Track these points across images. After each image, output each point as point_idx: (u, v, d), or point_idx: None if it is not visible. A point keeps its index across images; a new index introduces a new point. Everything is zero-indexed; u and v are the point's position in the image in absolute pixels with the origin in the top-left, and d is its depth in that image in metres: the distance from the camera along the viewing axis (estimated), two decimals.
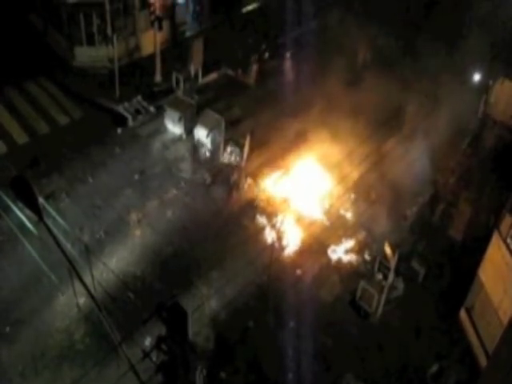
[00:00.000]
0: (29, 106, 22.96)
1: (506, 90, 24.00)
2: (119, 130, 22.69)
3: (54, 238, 8.45)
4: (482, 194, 19.29)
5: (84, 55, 24.93)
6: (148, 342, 14.89)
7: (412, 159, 21.14)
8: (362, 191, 21.04)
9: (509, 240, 15.46)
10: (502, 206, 16.09)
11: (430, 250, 18.69)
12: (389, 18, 25.66)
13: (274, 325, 16.65)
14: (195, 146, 22.52)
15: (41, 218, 8.06)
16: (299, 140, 21.75)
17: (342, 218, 20.16)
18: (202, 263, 18.02)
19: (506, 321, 14.73)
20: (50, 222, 15.08)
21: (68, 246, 16.54)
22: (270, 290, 16.92)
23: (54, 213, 18.59)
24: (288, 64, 25.58)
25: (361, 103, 22.11)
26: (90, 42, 24.87)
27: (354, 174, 21.57)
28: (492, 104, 24.21)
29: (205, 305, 16.93)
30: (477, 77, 24.01)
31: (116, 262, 17.57)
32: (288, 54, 26.53)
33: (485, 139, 22.46)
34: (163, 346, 9.48)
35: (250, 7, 30.39)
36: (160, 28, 24.12)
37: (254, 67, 25.95)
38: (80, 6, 23.77)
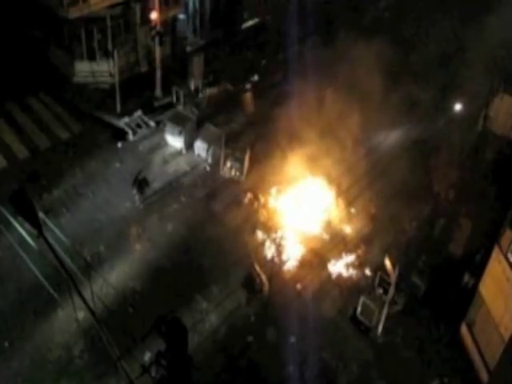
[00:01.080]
0: (29, 121, 23.05)
1: (505, 105, 24.15)
2: (119, 145, 22.76)
3: (54, 252, 8.46)
4: (481, 208, 19.26)
5: (85, 70, 25.09)
6: (147, 357, 14.77)
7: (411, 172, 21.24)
8: (361, 206, 21.07)
9: (509, 254, 15.40)
10: (502, 220, 16.07)
11: (431, 265, 18.63)
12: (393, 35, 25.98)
13: (274, 340, 16.55)
14: (195, 161, 22.61)
15: (40, 233, 8.07)
16: (299, 154, 21.79)
17: (342, 232, 20.13)
18: (202, 278, 17.97)
19: (507, 336, 14.66)
20: (49, 237, 15.02)
21: (68, 261, 16.47)
22: (270, 305, 16.85)
23: (53, 227, 18.57)
24: (288, 79, 25.69)
25: (362, 119, 22.29)
26: (91, 56, 25.05)
27: (354, 189, 21.64)
28: (491, 118, 24.35)
29: (205, 320, 16.86)
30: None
31: (116, 277, 17.51)
32: (288, 69, 26.68)
33: (484, 153, 22.51)
34: (162, 361, 9.44)
35: (250, 22, 30.67)
36: (161, 43, 24.32)
37: (250, 84, 26.24)
38: (81, 21, 23.97)
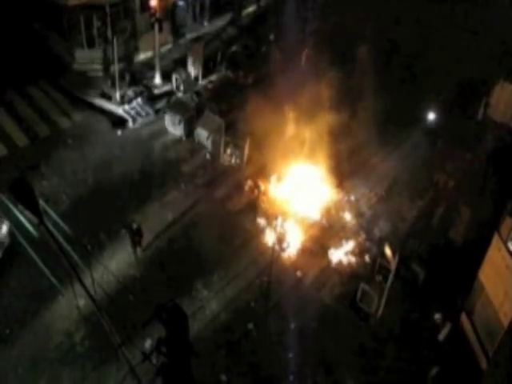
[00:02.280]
0: (29, 109, 22.98)
1: (505, 93, 24.07)
2: (119, 133, 22.72)
3: (55, 240, 8.48)
4: (482, 196, 19.27)
5: (84, 58, 24.94)
6: (148, 344, 14.88)
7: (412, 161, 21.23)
8: (361, 193, 21.07)
9: (509, 242, 15.45)
10: (502, 208, 16.08)
11: (431, 253, 18.68)
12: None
13: (275, 327, 16.65)
14: (195, 148, 22.57)
15: (41, 221, 8.08)
16: (299, 142, 21.76)
17: (342, 220, 20.16)
18: (203, 265, 18.03)
19: (506, 323, 14.73)
20: (50, 225, 15.08)
21: (68, 249, 16.52)
22: (270, 292, 16.93)
23: (54, 215, 18.60)
24: (288, 66, 25.52)
25: (362, 104, 22.22)
26: (91, 44, 24.89)
27: (355, 177, 21.62)
28: (492, 106, 24.27)
29: (205, 307, 16.94)
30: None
31: (116, 264, 17.57)
32: (287, 56, 26.53)
33: (485, 141, 22.47)
34: (163, 349, 9.48)
35: (250, 9, 30.45)
36: (160, 30, 24.15)
37: (253, 70, 26.04)
38: (80, 9, 23.79)
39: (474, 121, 23.96)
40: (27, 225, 17.78)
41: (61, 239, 16.75)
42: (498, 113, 24.03)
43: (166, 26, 25.66)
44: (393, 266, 16.60)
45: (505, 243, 15.38)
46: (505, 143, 21.68)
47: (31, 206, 7.89)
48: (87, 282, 13.96)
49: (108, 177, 20.60)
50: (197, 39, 27.36)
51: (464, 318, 16.79)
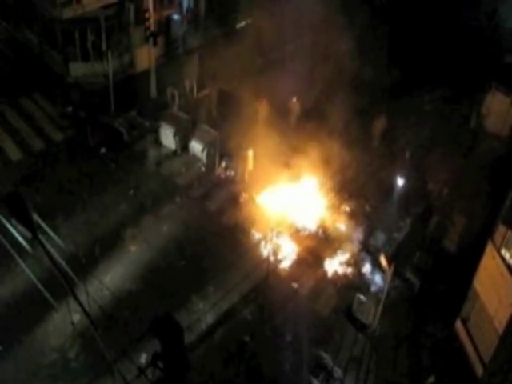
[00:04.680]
0: (23, 122, 22.97)
1: (496, 102, 24.28)
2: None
3: (49, 255, 8.44)
4: (475, 204, 19.38)
5: (79, 71, 25.03)
6: (143, 358, 14.77)
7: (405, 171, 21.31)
8: (356, 204, 21.14)
9: (503, 250, 15.55)
10: (495, 216, 16.18)
11: (425, 262, 18.73)
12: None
13: (271, 338, 16.60)
14: (190, 161, 22.60)
15: (35, 235, 8.04)
16: (294, 154, 21.85)
17: (337, 230, 20.20)
18: (198, 278, 17.98)
19: (501, 330, 14.76)
20: (44, 239, 15.01)
21: (63, 263, 16.43)
22: (266, 304, 16.89)
23: (48, 229, 18.52)
24: (281, 78, 25.67)
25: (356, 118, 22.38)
26: (85, 57, 24.98)
27: (349, 187, 21.70)
28: (484, 115, 24.48)
29: (201, 320, 16.88)
30: None
31: (111, 279, 17.49)
32: (282, 68, 26.70)
33: (477, 150, 22.63)
34: (159, 363, 9.43)
35: (244, 23, 30.62)
36: (155, 43, 24.29)
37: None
38: (75, 22, 23.89)
39: (467, 129, 24.16)
40: (20, 239, 17.68)
41: (55, 254, 16.66)
42: (490, 122, 24.24)
43: (161, 39, 25.85)
44: (388, 275, 16.61)
45: (498, 251, 15.47)
46: (496, 152, 21.83)
47: (25, 220, 7.85)
48: (82, 297, 13.96)
49: (102, 190, 20.55)
50: (191, 51, 27.52)
51: (459, 325, 16.81)
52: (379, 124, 23.39)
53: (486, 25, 28.80)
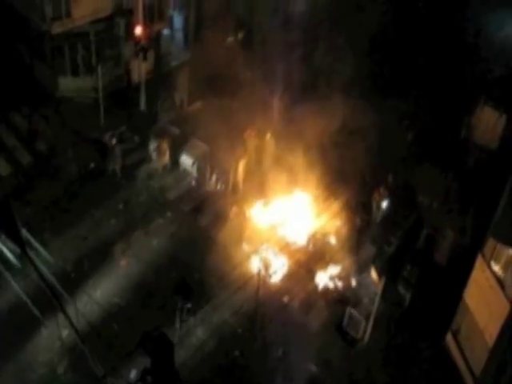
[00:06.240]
0: (12, 136, 22.84)
1: (485, 115, 24.57)
2: (104, 160, 22.62)
3: (37, 270, 8.36)
4: (464, 217, 19.50)
5: (68, 85, 25.01)
6: (133, 374, 14.61)
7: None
8: (347, 217, 21.17)
9: (492, 263, 15.64)
10: (485, 229, 16.28)
11: (416, 275, 18.76)
12: None
13: (261, 353, 16.50)
14: (181, 175, 22.58)
15: (23, 251, 7.97)
16: (285, 166, 21.88)
17: (328, 244, 20.21)
18: (188, 294, 17.80)
19: (491, 343, 14.79)
20: (32, 254, 14.93)
21: (52, 279, 16.26)
22: (257, 318, 16.81)
23: (37, 245, 18.34)
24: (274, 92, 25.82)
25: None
26: (75, 72, 24.98)
27: (340, 200, 21.74)
28: (472, 128, 24.72)
29: (191, 334, 16.75)
30: None
31: (100, 293, 17.34)
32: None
33: (466, 162, 22.80)
34: (149, 378, 9.34)
35: (239, 35, 30.72)
36: (145, 58, 24.36)
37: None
38: (65, 37, 23.91)
39: (456, 141, 24.33)
40: (9, 255, 17.51)
41: (44, 269, 16.48)
42: (479, 135, 24.47)
43: (151, 53, 25.95)
44: (379, 289, 16.63)
45: (488, 264, 15.55)
46: (485, 165, 22.01)
47: (13, 235, 7.79)
48: (71, 311, 13.85)
49: (92, 204, 20.42)
50: (182, 66, 27.62)
51: (450, 338, 16.83)
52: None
53: (472, 42, 29.23)
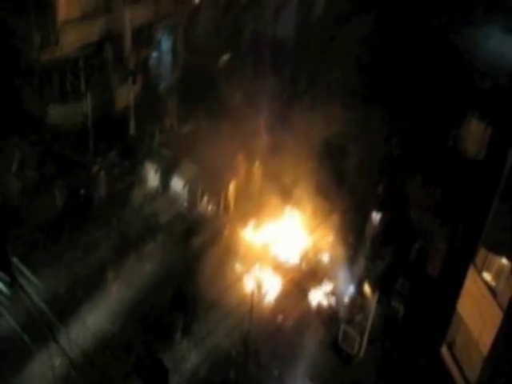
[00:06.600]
0: (1, 164, 22.83)
1: (472, 128, 24.81)
2: (95, 185, 22.62)
3: (29, 298, 8.32)
4: (455, 229, 19.56)
5: (58, 112, 25.01)
6: None
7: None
8: (339, 234, 21.18)
9: (484, 273, 15.68)
10: (475, 239, 16.33)
11: (409, 288, 18.76)
12: None
13: (256, 374, 16.36)
14: (173, 198, 22.61)
15: (14, 279, 7.93)
16: (277, 186, 21.97)
17: (321, 261, 20.22)
18: (182, 316, 17.75)
19: (486, 352, 14.76)
20: (23, 282, 14.83)
21: (43, 306, 16.12)
22: (250, 339, 16.71)
23: (27, 272, 18.16)
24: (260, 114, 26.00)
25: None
26: (64, 98, 25.00)
27: (332, 218, 21.77)
28: (459, 140, 24.93)
29: (185, 359, 16.60)
30: None
31: (93, 320, 17.09)
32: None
33: (454, 176, 22.93)
34: None
35: (224, 58, 31.04)
36: (134, 82, 24.53)
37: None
38: (53, 64, 23.96)
39: (444, 153, 24.49)
40: None
41: (35, 297, 16.35)
42: (466, 147, 24.65)
43: (140, 77, 26.12)
44: (373, 304, 16.61)
45: (480, 274, 15.59)
46: (473, 177, 22.12)
47: (3, 264, 7.80)
48: (63, 339, 13.74)
49: (83, 229, 20.38)
50: (171, 89, 27.81)
51: (445, 350, 16.77)
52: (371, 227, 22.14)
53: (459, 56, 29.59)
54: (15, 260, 17.20)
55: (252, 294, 17.53)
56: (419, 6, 28.74)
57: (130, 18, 24.03)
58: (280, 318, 18.11)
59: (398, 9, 28.44)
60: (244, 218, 21.34)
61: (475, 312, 15.63)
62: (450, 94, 25.36)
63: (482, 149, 24.51)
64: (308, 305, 18.66)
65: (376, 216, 21.47)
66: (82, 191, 22.01)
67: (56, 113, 24.85)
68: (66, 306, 16.98)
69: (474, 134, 24.78)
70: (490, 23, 29.91)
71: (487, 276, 15.65)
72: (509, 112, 22.56)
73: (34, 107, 25.09)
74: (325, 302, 18.72)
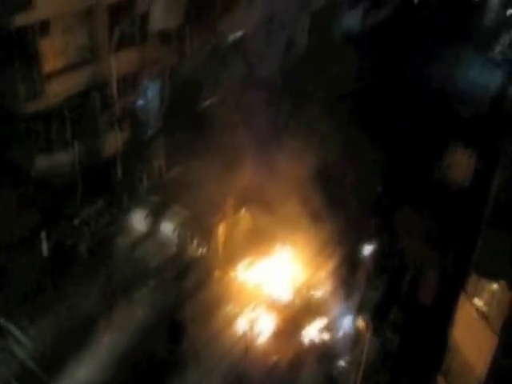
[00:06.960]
0: None
1: (457, 157, 25.22)
2: (82, 235, 22.53)
3: (16, 358, 8.16)
4: (445, 256, 19.56)
5: (44, 163, 24.92)
6: None
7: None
8: (331, 268, 21.09)
9: (475, 299, 15.57)
10: (465, 266, 16.29)
11: (402, 318, 18.59)
12: None
13: None
14: (162, 242, 22.55)
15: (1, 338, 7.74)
16: (267, 225, 21.98)
17: (314, 297, 20.07)
18: (175, 361, 17.46)
19: (483, 379, 14.51)
20: (10, 341, 14.61)
21: (31, 364, 15.75)
22: (246, 381, 16.39)
23: (15, 330, 17.73)
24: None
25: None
26: (50, 148, 24.99)
27: (324, 253, 21.71)
28: (445, 169, 25.22)
29: None
30: None
31: (84, 373, 16.81)
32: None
33: (442, 204, 23.06)
34: None
35: (213, 100, 31.42)
36: (121, 129, 24.78)
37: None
38: (39, 115, 24.08)
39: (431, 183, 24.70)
40: None
41: (23, 354, 16.05)
42: (452, 175, 24.93)
43: (127, 124, 26.36)
44: (367, 338, 16.39)
45: (471, 300, 15.49)
46: (460, 205, 22.25)
47: None
48: None
49: (72, 280, 20.18)
50: (158, 135, 28.08)
51: (440, 379, 16.45)
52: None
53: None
54: (2, 321, 16.93)
55: (246, 335, 17.36)
56: (401, 42, 29.64)
57: (116, 66, 24.39)
58: (275, 357, 17.81)
59: (380, 44, 29.34)
60: (235, 259, 21.26)
61: (469, 338, 15.46)
62: (434, 125, 25.89)
63: (468, 176, 24.84)
64: (303, 342, 18.41)
65: (368, 247, 21.45)
66: (69, 241, 21.96)
67: (42, 163, 24.89)
68: (56, 361, 16.64)
69: (460, 163, 25.15)
70: (468, 55, 30.83)
71: (478, 302, 15.53)
72: (491, 138, 22.99)
73: (20, 158, 25.13)
74: (320, 338, 18.50)
